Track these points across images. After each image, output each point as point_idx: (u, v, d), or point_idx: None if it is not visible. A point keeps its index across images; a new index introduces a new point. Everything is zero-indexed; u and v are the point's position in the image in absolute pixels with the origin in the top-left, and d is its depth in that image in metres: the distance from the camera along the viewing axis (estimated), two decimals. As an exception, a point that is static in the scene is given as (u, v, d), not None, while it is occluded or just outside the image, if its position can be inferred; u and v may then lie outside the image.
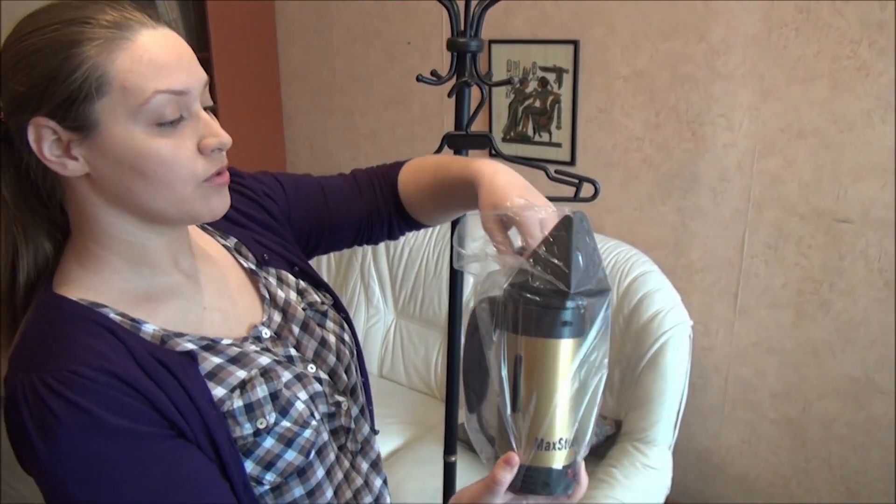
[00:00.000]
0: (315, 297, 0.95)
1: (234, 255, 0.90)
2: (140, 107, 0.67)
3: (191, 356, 0.74)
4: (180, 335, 0.75)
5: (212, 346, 0.77)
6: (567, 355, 0.67)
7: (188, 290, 0.80)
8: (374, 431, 0.99)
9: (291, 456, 0.78)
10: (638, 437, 1.99)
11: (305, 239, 1.01)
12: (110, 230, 0.74)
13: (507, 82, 1.19)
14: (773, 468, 2.24)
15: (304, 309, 0.90)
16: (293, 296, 0.91)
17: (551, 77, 2.34)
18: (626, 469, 1.90)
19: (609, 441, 2.05)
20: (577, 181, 1.23)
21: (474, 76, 1.23)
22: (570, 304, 0.66)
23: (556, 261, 0.66)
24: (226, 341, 0.79)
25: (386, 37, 2.70)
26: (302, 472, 0.81)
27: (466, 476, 1.90)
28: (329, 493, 0.85)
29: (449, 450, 1.53)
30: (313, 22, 2.92)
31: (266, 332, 0.85)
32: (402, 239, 2.62)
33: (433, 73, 1.28)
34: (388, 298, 2.66)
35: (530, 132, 2.44)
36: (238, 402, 0.74)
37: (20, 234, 0.74)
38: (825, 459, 2.13)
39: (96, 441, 0.65)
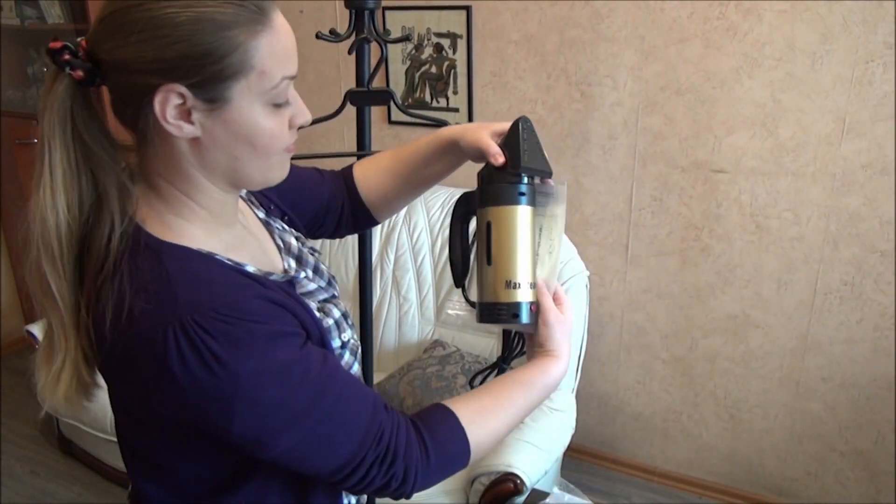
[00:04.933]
0: (308, 242, 1.03)
1: (249, 205, 0.96)
2: (270, 90, 0.73)
3: (291, 284, 0.84)
4: (269, 274, 0.82)
5: (292, 282, 0.86)
6: (524, 218, 0.88)
7: (248, 239, 0.88)
8: None
9: (356, 366, 0.93)
10: (543, 383, 2.10)
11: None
12: (201, 187, 0.78)
13: (406, 38, 1.23)
14: (666, 404, 2.42)
15: (310, 253, 0.98)
16: (295, 242, 0.98)
17: (446, 43, 2.39)
18: (533, 413, 2.00)
19: (516, 390, 2.15)
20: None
21: (373, 33, 1.26)
22: (522, 179, 0.88)
23: (510, 149, 0.88)
24: (300, 276, 0.89)
25: (278, 3, 2.65)
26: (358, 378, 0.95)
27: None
28: None
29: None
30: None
31: None
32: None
33: (332, 31, 1.30)
34: (293, 269, 2.65)
35: (428, 98, 2.49)
36: (329, 321, 0.88)
37: (109, 176, 0.74)
38: (711, 392, 2.33)
39: (279, 345, 0.74)
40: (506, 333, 1.05)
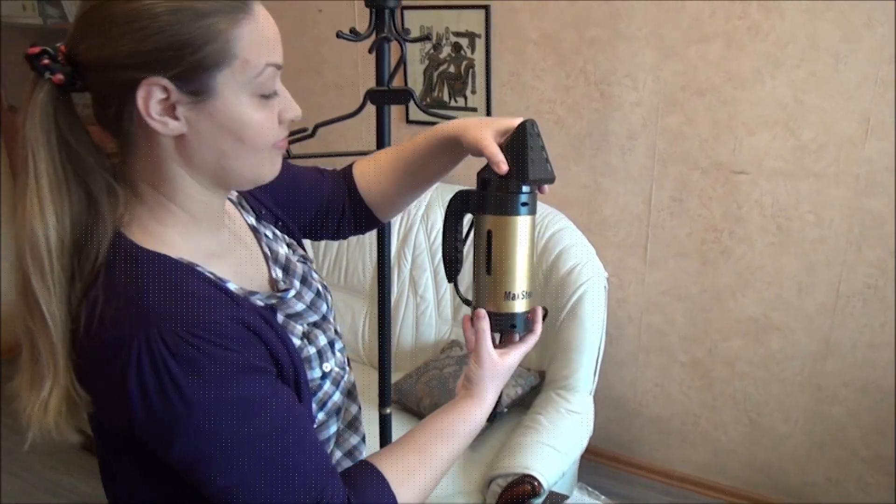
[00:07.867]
0: (300, 250, 0.99)
1: (238, 210, 0.92)
2: (254, 78, 0.72)
3: (272, 310, 0.81)
4: (253, 293, 0.80)
5: (280, 302, 0.83)
6: (524, 228, 0.86)
7: (235, 246, 0.85)
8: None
9: (337, 396, 0.88)
10: (561, 385, 2.09)
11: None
12: (184, 188, 0.76)
13: (426, 38, 1.23)
14: (684, 407, 2.40)
15: (299, 262, 0.93)
16: (286, 250, 0.94)
17: (464, 42, 2.38)
18: (551, 415, 1.99)
19: (534, 391, 2.14)
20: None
21: (393, 32, 1.25)
22: (526, 189, 0.84)
23: (516, 156, 0.84)
24: (289, 296, 0.84)
25: (296, 4, 2.66)
26: (339, 411, 0.91)
27: (400, 425, 1.95)
28: (349, 433, 0.95)
29: (384, 402, 1.57)
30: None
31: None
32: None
33: (352, 30, 1.30)
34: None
35: (446, 97, 2.48)
36: (311, 349, 0.84)
37: (99, 182, 0.73)
38: (730, 396, 2.30)
39: (245, 380, 0.71)
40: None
